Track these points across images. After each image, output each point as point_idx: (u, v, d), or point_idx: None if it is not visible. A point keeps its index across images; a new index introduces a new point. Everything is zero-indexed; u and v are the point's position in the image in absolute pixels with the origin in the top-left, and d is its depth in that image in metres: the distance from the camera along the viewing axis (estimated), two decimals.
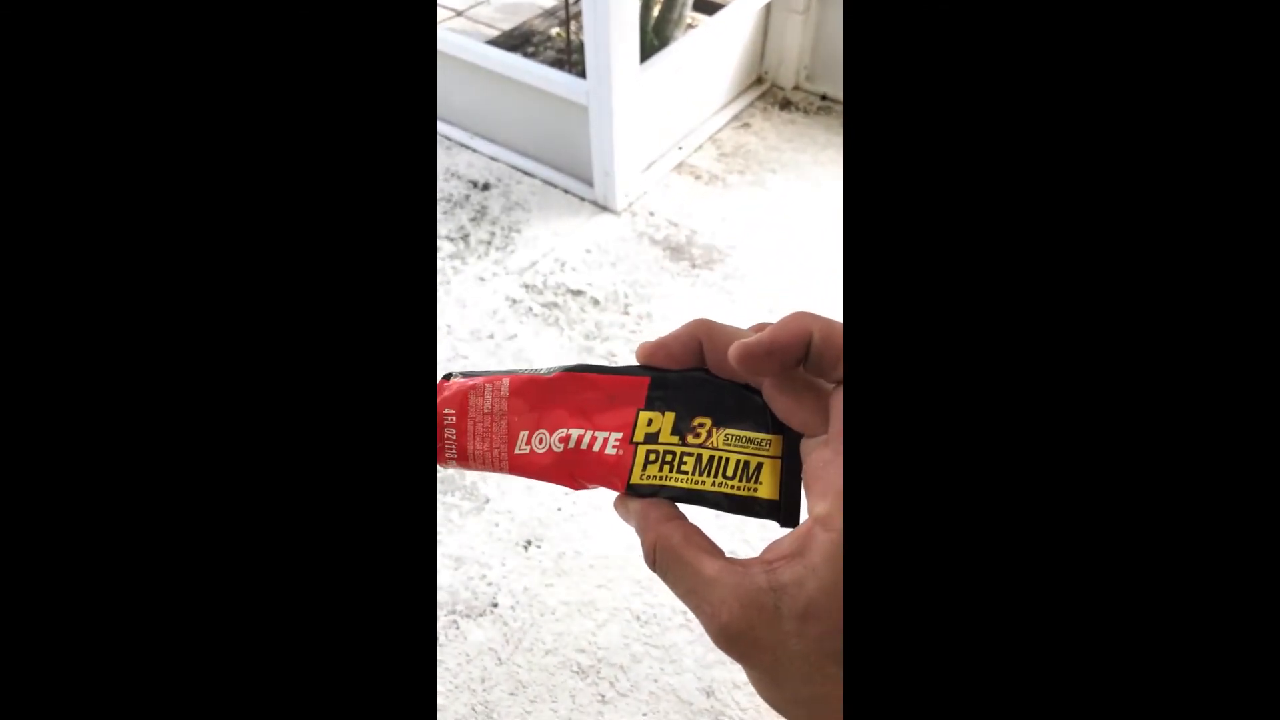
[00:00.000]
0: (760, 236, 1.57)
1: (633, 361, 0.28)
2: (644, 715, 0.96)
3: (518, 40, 1.94)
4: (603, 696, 0.98)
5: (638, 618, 1.04)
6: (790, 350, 0.24)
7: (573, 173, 1.69)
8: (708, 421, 0.27)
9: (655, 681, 0.99)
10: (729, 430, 0.27)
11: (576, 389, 0.28)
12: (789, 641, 0.21)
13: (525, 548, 1.11)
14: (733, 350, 0.24)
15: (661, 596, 1.06)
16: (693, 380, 0.27)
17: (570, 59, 1.85)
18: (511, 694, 0.98)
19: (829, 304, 1.43)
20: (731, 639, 0.22)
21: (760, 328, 0.25)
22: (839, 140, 1.79)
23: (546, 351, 1.36)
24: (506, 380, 0.28)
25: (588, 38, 1.41)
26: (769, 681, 0.22)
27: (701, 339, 0.26)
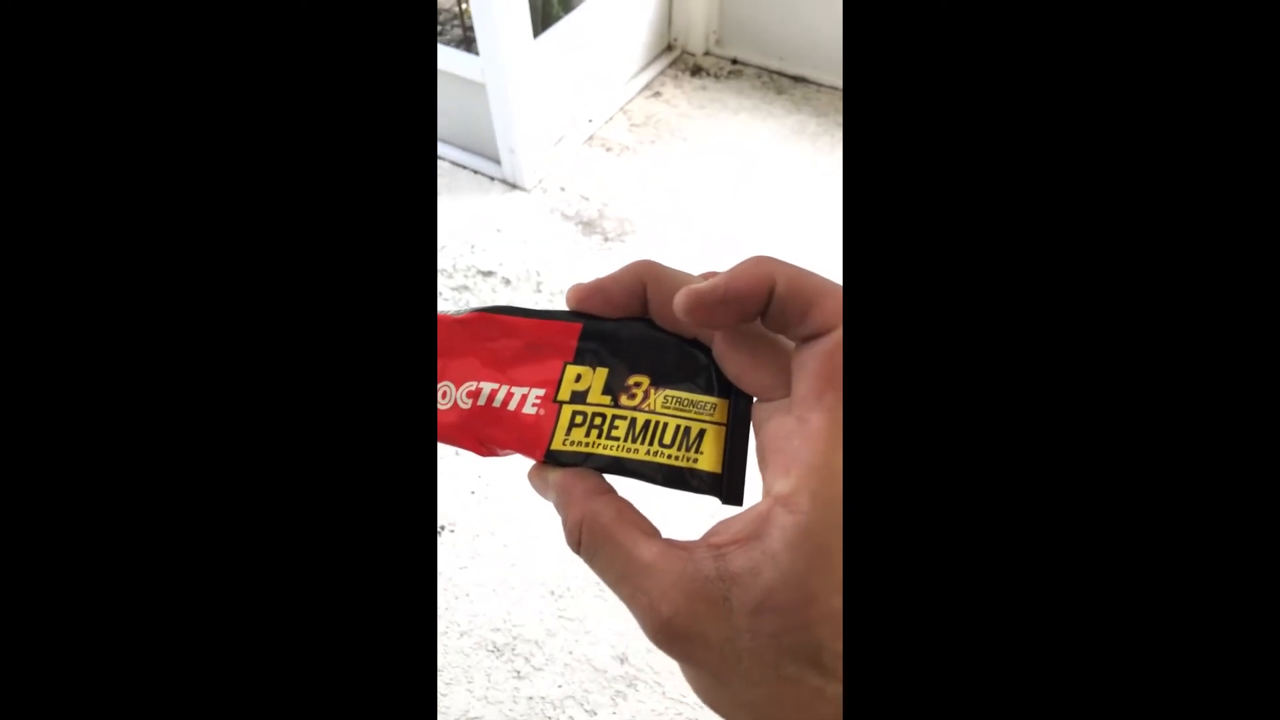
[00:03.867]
0: (673, 205, 1.57)
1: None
2: (559, 686, 0.97)
3: None
4: (518, 672, 0.98)
5: (552, 592, 1.05)
6: (749, 300, 0.20)
7: (479, 152, 1.66)
8: (645, 380, 0.23)
9: (570, 653, 1.00)
10: (669, 391, 0.23)
11: (492, 334, 0.24)
12: (740, 638, 0.18)
13: (438, 533, 1.11)
14: (680, 297, 0.21)
15: (576, 568, 1.06)
16: (631, 331, 0.23)
17: (471, 35, 1.81)
18: None
19: None
20: (673, 635, 0.19)
21: (712, 275, 0.22)
22: (750, 104, 1.79)
23: None
24: None
25: (476, 12, 1.38)
26: (712, 682, 0.19)
27: (646, 283, 0.23)
